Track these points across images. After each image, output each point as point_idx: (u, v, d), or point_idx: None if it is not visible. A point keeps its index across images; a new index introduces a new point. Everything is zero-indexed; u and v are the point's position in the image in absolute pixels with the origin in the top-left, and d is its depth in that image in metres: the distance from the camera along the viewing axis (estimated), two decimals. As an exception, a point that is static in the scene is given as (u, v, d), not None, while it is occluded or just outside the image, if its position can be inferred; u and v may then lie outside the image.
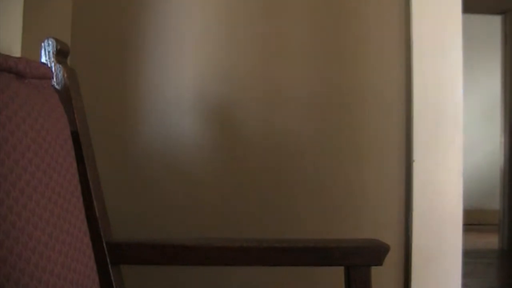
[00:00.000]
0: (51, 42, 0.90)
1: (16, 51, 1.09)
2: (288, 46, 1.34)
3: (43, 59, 0.90)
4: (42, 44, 0.90)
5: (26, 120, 0.69)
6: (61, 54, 0.91)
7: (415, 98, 1.32)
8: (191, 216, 1.33)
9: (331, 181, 1.33)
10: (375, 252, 0.93)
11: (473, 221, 5.14)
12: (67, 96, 0.90)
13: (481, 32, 5.34)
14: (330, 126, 1.34)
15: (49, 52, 0.90)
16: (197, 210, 1.33)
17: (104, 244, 0.92)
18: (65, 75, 0.90)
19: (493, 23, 4.83)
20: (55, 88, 0.89)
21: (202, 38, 1.34)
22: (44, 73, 0.81)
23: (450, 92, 1.32)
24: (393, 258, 1.32)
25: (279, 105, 1.33)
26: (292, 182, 1.33)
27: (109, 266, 0.91)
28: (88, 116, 0.97)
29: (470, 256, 3.81)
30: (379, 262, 0.93)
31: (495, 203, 4.56)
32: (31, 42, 1.08)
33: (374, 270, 0.94)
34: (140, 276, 1.30)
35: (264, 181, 1.33)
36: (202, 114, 1.33)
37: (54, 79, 0.89)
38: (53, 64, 0.90)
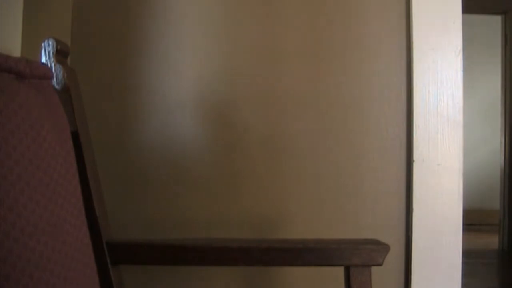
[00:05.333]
0: (51, 42, 0.90)
1: (16, 51, 1.09)
2: (288, 46, 1.34)
3: (43, 59, 0.90)
4: (42, 44, 0.90)
5: (26, 120, 0.69)
6: (61, 54, 0.91)
7: (415, 98, 1.32)
8: (191, 216, 1.33)
9: (331, 181, 1.33)
10: (375, 252, 0.93)
11: (473, 221, 5.14)
12: (67, 96, 0.90)
13: (481, 32, 5.34)
14: (330, 126, 1.34)
15: (49, 52, 0.90)
16: (197, 210, 1.33)
17: (104, 244, 0.92)
18: (65, 75, 0.90)
19: (493, 23, 4.84)
20: (55, 88, 0.89)
21: (202, 38, 1.34)
22: (44, 73, 0.81)
23: (450, 92, 1.32)
24: (393, 258, 1.32)
25: (279, 105, 1.33)
26: (292, 182, 1.33)
27: (109, 266, 0.92)
28: (88, 116, 0.97)
29: (470, 256, 3.82)
30: (379, 262, 0.93)
31: (495, 203, 4.56)
32: (31, 42, 1.08)
33: (374, 270, 0.94)
34: (140, 276, 1.30)
35: (264, 180, 1.33)
36: (202, 114, 1.33)
37: (54, 79, 0.89)
38: (53, 64, 0.90)
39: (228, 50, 1.34)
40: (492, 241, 4.43)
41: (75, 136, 0.90)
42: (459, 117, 1.32)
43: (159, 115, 1.33)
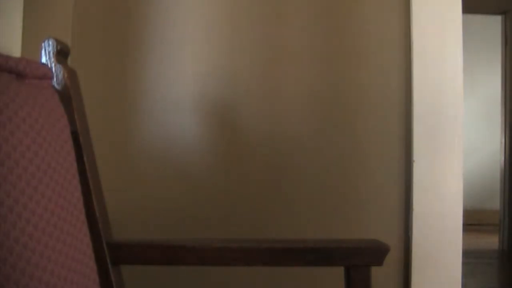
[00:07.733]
0: (51, 42, 0.90)
1: (16, 51, 1.09)
2: (288, 46, 1.34)
3: (43, 59, 0.90)
4: (42, 44, 0.90)
5: (26, 120, 0.69)
6: (61, 54, 0.91)
7: (415, 98, 1.32)
8: (191, 216, 1.33)
9: (331, 181, 1.33)
10: (375, 252, 0.93)
11: (473, 221, 5.14)
12: (67, 96, 0.90)
13: (481, 32, 5.34)
14: (330, 127, 1.34)
15: (49, 52, 0.90)
16: (197, 210, 1.33)
17: (104, 244, 0.92)
18: (65, 75, 0.90)
19: (493, 23, 4.83)
20: (55, 88, 0.89)
21: (203, 38, 1.34)
22: (44, 73, 0.81)
23: (450, 92, 1.32)
24: (393, 258, 1.32)
25: (279, 105, 1.33)
26: (292, 182, 1.33)
27: (109, 266, 0.91)
28: (88, 116, 0.97)
29: (470, 256, 3.82)
30: (379, 262, 0.93)
31: (495, 203, 4.56)
32: (31, 42, 1.08)
33: (374, 270, 0.94)
34: (140, 276, 1.30)
35: (264, 181, 1.33)
36: (202, 114, 1.33)
37: (54, 79, 0.89)
38: (53, 64, 0.90)
39: (229, 50, 1.34)
40: (492, 241, 4.43)
41: (75, 136, 0.90)
42: (459, 117, 1.32)
43: (159, 115, 1.33)
